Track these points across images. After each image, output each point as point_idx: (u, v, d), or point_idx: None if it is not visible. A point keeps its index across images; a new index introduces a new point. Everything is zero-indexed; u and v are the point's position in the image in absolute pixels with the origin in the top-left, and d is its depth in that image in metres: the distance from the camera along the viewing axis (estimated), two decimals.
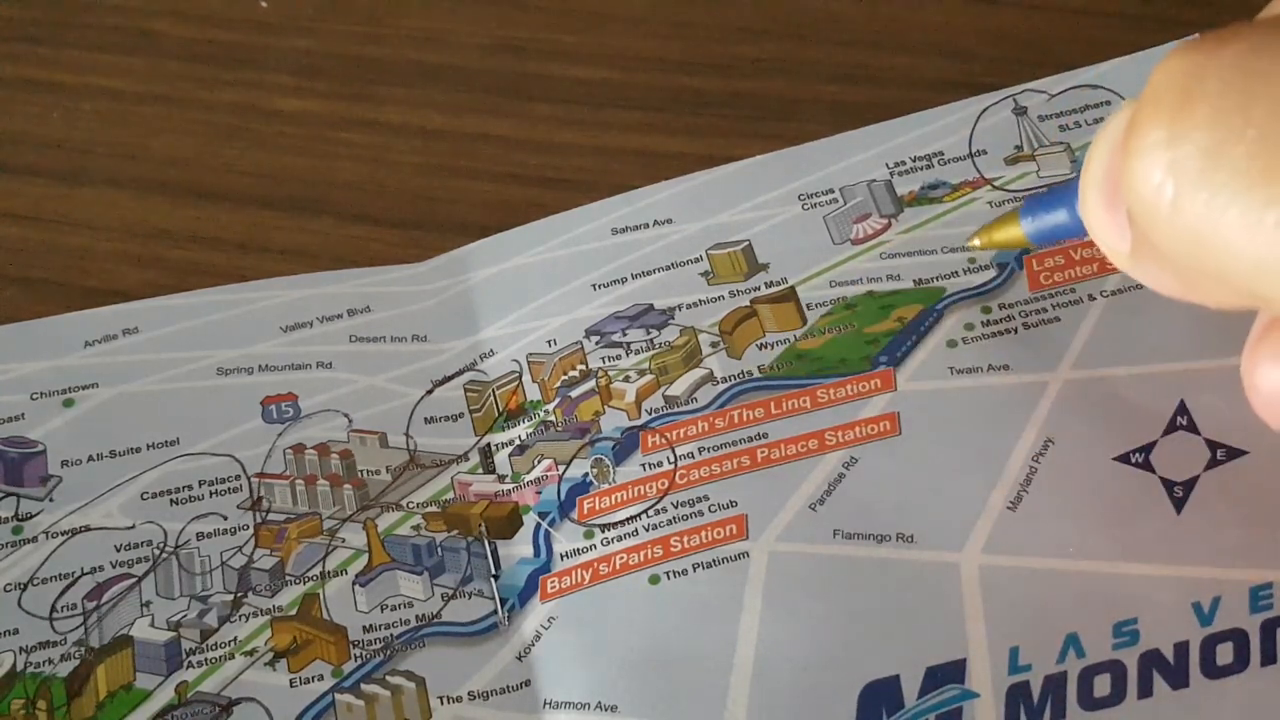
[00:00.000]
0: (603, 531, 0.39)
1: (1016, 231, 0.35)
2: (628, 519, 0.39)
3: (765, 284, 0.42)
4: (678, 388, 0.41)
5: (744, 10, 0.50)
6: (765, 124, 0.47)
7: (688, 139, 0.47)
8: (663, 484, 0.39)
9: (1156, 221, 0.18)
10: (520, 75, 0.49)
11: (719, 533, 0.38)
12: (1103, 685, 0.35)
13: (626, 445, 0.40)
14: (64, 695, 0.37)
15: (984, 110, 0.45)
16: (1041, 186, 0.43)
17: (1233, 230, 0.17)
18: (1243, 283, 0.18)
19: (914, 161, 0.44)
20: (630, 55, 0.49)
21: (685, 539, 0.38)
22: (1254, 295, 0.18)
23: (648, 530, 0.39)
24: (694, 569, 0.38)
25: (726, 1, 0.50)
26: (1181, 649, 0.35)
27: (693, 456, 0.40)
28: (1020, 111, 0.44)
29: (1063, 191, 0.31)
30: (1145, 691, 0.35)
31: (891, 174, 0.44)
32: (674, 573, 0.38)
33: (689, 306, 0.42)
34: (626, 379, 0.41)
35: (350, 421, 0.41)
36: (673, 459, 0.40)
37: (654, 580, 0.38)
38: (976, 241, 0.37)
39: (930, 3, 0.49)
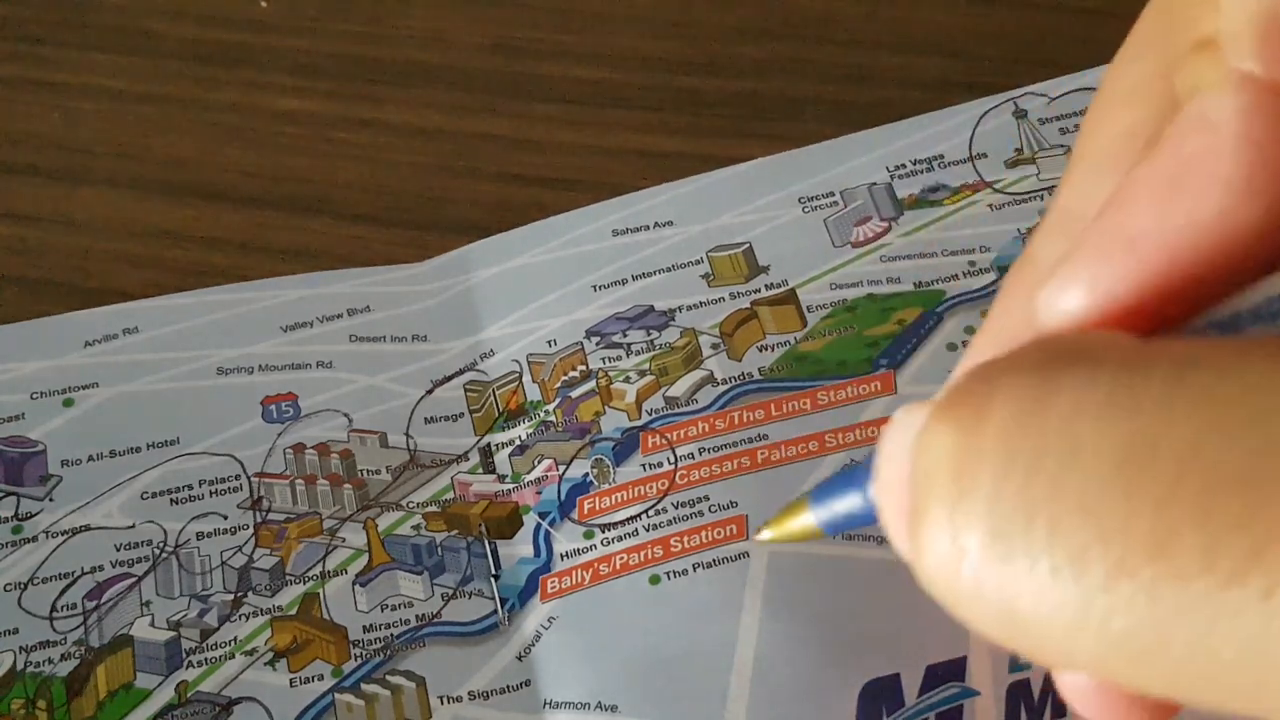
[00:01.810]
0: (603, 531, 0.39)
1: (809, 520, 0.31)
2: (628, 519, 0.39)
3: (766, 286, 0.42)
4: (678, 389, 0.41)
5: (744, 10, 0.50)
6: (765, 124, 0.47)
7: (688, 139, 0.47)
8: (663, 484, 0.39)
9: (959, 609, 0.18)
10: (520, 75, 0.49)
11: (719, 533, 0.38)
12: None
13: (627, 445, 0.40)
14: (64, 695, 0.37)
15: (984, 113, 0.45)
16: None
17: (1037, 615, 0.16)
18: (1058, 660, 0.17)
19: (914, 164, 0.44)
20: (630, 55, 0.49)
21: (685, 539, 0.38)
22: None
23: (648, 530, 0.39)
24: (694, 569, 0.38)
25: (726, 1, 0.50)
26: None
27: (693, 457, 0.40)
28: (1020, 115, 0.44)
29: (852, 477, 0.28)
30: None
31: (892, 177, 0.44)
32: (674, 573, 0.38)
33: (689, 308, 0.42)
34: (627, 380, 0.41)
35: (350, 421, 0.41)
36: (673, 459, 0.40)
37: (654, 580, 0.38)
38: (767, 534, 0.33)
39: (930, 3, 0.49)
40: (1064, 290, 0.19)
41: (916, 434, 0.18)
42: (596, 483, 0.40)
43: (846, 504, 0.28)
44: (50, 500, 0.40)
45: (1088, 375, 0.16)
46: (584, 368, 0.42)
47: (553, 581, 0.38)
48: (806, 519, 0.30)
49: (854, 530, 0.30)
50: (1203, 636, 0.15)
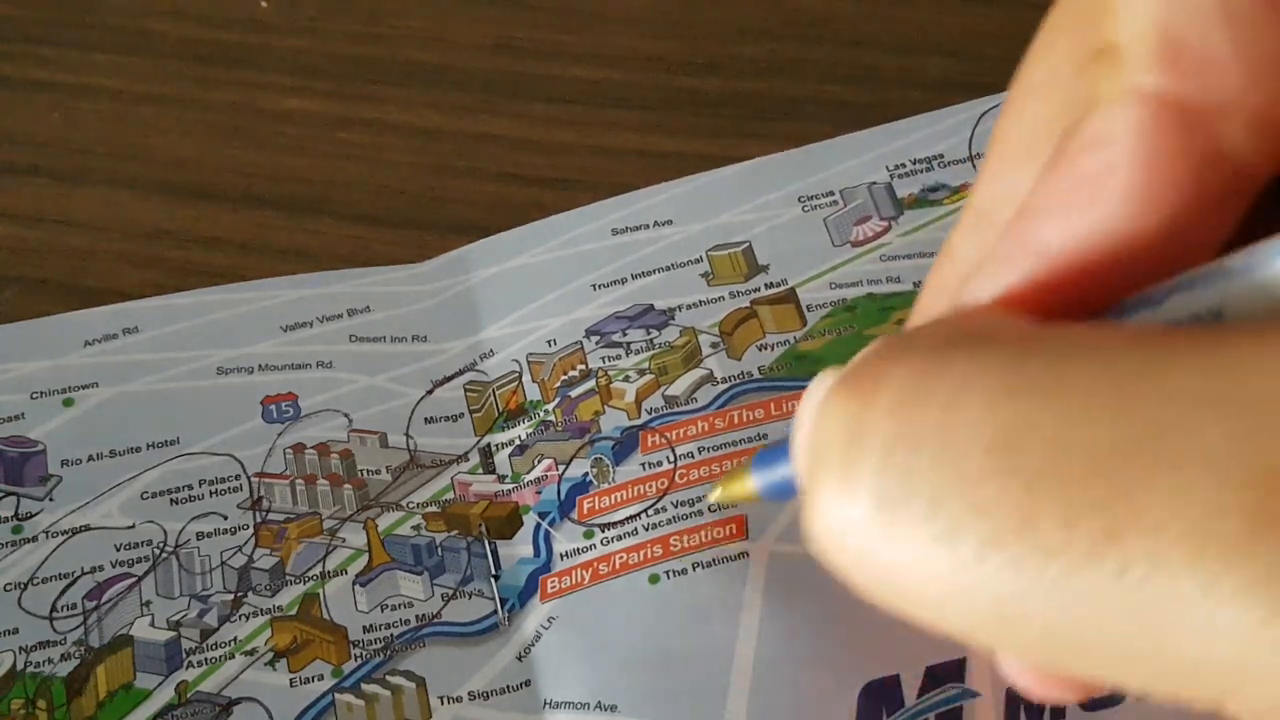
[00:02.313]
0: (602, 531, 0.39)
1: (749, 484, 0.32)
2: (627, 519, 0.39)
3: (765, 285, 0.42)
4: (678, 388, 0.41)
5: (744, 10, 0.50)
6: (765, 124, 0.47)
7: (688, 139, 0.47)
8: (662, 483, 0.39)
9: (846, 572, 0.19)
10: (520, 75, 0.49)
11: (719, 533, 0.38)
12: None
13: (626, 445, 0.40)
14: (64, 695, 0.37)
15: (984, 113, 0.45)
16: None
17: (916, 581, 0.18)
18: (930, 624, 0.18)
19: (914, 164, 0.44)
20: (630, 55, 0.49)
21: (685, 539, 0.38)
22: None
23: (647, 530, 0.39)
24: (694, 569, 0.38)
25: (726, 1, 0.50)
26: None
27: (692, 456, 0.40)
28: None
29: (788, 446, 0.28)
30: None
31: (892, 176, 0.44)
32: (674, 572, 0.38)
33: (689, 307, 0.42)
34: (626, 379, 0.41)
35: (350, 421, 0.41)
36: (672, 459, 0.40)
37: (654, 580, 0.38)
38: (716, 494, 0.34)
39: (930, 3, 0.49)
40: (981, 290, 0.20)
41: (817, 402, 0.19)
42: (596, 482, 0.40)
43: (780, 471, 0.29)
44: (50, 500, 0.40)
45: (976, 356, 0.17)
46: (583, 367, 0.42)
47: (553, 581, 0.38)
48: (747, 482, 0.31)
49: (789, 498, 0.30)
50: (1064, 609, 0.16)
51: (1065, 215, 0.19)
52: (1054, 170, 0.20)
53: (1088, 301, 0.20)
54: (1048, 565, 0.16)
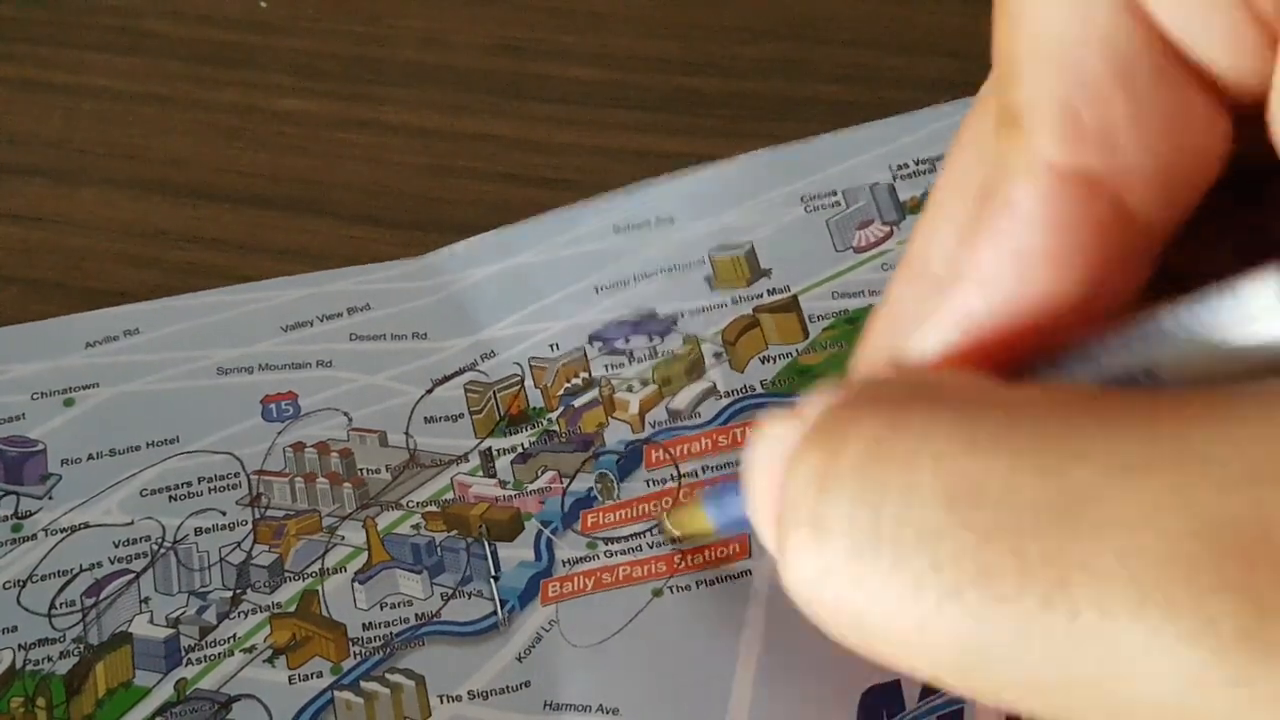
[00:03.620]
0: (606, 544, 0.39)
1: (704, 519, 0.33)
2: (631, 535, 0.39)
3: (768, 290, 0.42)
4: (681, 400, 0.41)
5: (744, 10, 0.50)
6: (765, 124, 0.47)
7: (688, 139, 0.47)
8: (667, 503, 0.39)
9: (821, 619, 0.20)
10: (520, 75, 0.49)
11: (722, 551, 0.38)
12: None
13: (630, 459, 0.40)
14: (63, 693, 0.37)
15: None
16: None
17: (886, 627, 0.18)
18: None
19: (917, 164, 0.44)
20: (630, 55, 0.49)
21: (689, 557, 0.38)
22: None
23: (651, 548, 0.39)
24: (697, 585, 0.38)
25: (726, 1, 0.50)
26: None
27: (696, 475, 0.40)
28: None
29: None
30: None
31: (895, 176, 0.44)
32: (677, 588, 0.38)
33: (692, 313, 0.42)
34: (630, 389, 0.41)
35: (350, 420, 0.41)
36: (676, 476, 0.40)
37: (657, 593, 0.38)
38: (668, 526, 0.36)
39: (930, 3, 0.49)
40: (924, 344, 0.21)
41: (787, 453, 0.20)
42: (600, 498, 0.40)
43: (732, 508, 0.29)
44: (49, 499, 0.40)
45: (932, 414, 0.19)
46: (586, 375, 0.41)
47: (554, 586, 0.38)
48: (700, 518, 0.33)
49: (740, 532, 0.31)
50: (1021, 655, 0.17)
51: (987, 284, 0.20)
52: (973, 239, 0.21)
53: (1023, 355, 0.21)
54: (1003, 613, 0.17)
